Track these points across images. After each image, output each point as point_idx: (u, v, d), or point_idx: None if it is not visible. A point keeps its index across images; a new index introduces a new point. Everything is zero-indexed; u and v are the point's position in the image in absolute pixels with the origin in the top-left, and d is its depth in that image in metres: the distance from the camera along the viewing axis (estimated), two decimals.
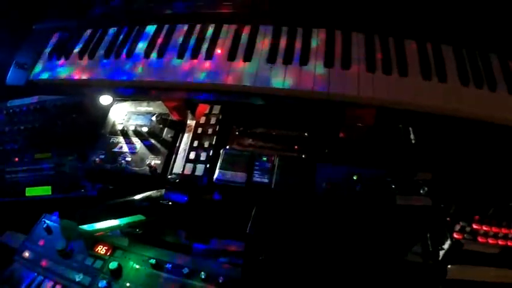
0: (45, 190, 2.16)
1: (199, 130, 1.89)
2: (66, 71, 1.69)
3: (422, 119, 1.41)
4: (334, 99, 1.42)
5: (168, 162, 1.82)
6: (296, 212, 1.68)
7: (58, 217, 1.96)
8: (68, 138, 2.22)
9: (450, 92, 1.39)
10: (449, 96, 1.38)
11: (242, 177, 1.66)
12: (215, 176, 1.68)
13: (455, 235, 1.51)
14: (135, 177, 1.81)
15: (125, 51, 1.68)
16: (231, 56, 1.55)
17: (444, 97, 1.37)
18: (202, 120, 1.92)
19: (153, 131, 1.92)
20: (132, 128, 1.95)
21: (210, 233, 1.92)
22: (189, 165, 1.77)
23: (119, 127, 1.97)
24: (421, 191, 1.55)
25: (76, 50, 1.74)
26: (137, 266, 1.73)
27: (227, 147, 1.79)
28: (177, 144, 1.88)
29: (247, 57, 1.54)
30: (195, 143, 1.85)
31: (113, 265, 1.70)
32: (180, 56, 1.60)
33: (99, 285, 1.65)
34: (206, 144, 1.83)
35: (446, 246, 1.54)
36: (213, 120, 1.91)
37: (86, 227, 1.79)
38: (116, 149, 1.90)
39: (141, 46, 1.68)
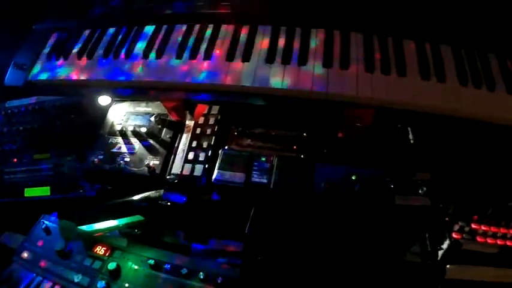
0: (44, 191, 2.15)
1: (198, 130, 1.89)
2: (64, 71, 1.69)
3: (421, 119, 1.41)
4: (332, 99, 1.42)
5: (166, 162, 1.82)
6: (295, 212, 1.68)
7: (57, 218, 1.96)
8: (66, 139, 2.22)
9: (449, 92, 1.39)
10: (448, 96, 1.38)
11: (241, 178, 1.66)
12: (214, 177, 1.68)
13: (454, 235, 1.51)
14: (134, 177, 1.81)
15: (123, 51, 1.68)
16: (230, 56, 1.55)
17: (443, 97, 1.37)
18: (201, 120, 1.92)
19: (152, 132, 1.92)
20: (130, 128, 1.95)
21: (209, 233, 1.92)
22: (188, 166, 1.77)
23: (118, 127, 1.97)
24: (420, 191, 1.55)
25: (75, 50, 1.74)
26: (136, 267, 1.73)
27: (226, 147, 1.79)
28: (176, 145, 1.88)
29: (246, 58, 1.54)
30: (194, 144, 1.84)
31: (111, 266, 1.70)
32: (179, 56, 1.60)
33: (98, 285, 1.65)
34: (205, 145, 1.83)
35: (445, 246, 1.54)
36: (211, 121, 1.91)
37: (84, 227, 1.79)
38: (114, 150, 1.90)
39: (140, 46, 1.68)
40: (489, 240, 1.50)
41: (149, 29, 1.74)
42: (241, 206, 1.70)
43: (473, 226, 1.51)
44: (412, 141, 1.73)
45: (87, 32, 1.81)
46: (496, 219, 1.52)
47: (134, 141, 1.92)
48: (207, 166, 1.75)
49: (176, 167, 1.79)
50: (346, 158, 1.68)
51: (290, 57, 1.51)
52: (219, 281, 1.64)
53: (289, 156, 1.73)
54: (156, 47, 1.65)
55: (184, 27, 1.70)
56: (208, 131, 1.87)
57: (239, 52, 1.56)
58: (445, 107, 1.37)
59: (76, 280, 1.70)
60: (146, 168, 1.78)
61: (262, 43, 1.58)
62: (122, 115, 2.03)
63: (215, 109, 1.95)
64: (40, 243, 1.85)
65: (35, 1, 1.98)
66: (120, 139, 1.93)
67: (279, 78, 1.46)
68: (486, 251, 1.53)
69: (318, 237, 1.68)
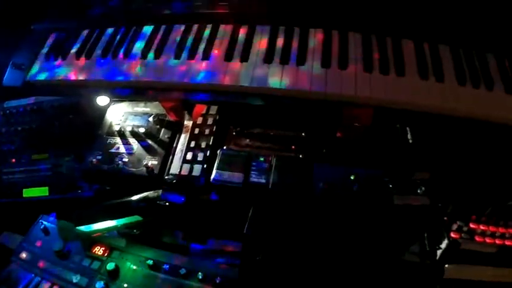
0: (42, 191, 2.15)
1: (196, 130, 1.89)
2: (63, 71, 1.69)
3: (420, 119, 1.41)
4: (331, 99, 1.42)
5: (165, 162, 1.82)
6: (293, 212, 1.68)
7: (55, 218, 1.95)
8: (65, 139, 2.21)
9: (447, 91, 1.39)
10: (446, 95, 1.38)
11: (239, 178, 1.66)
12: (212, 177, 1.68)
13: (452, 234, 1.51)
14: (132, 177, 1.80)
15: (122, 51, 1.67)
16: (228, 56, 1.55)
17: (441, 97, 1.38)
18: (199, 120, 1.92)
19: (150, 132, 1.92)
20: (129, 128, 1.94)
21: (207, 233, 1.92)
22: (186, 166, 1.77)
23: (116, 128, 1.96)
24: (419, 191, 1.56)
25: (73, 51, 1.74)
26: (134, 267, 1.73)
27: (224, 147, 1.79)
28: (174, 145, 1.87)
29: (244, 58, 1.54)
30: (192, 144, 1.84)
31: (110, 266, 1.69)
32: (177, 56, 1.60)
33: (96, 286, 1.64)
34: (203, 145, 1.83)
35: (443, 245, 1.54)
36: (210, 121, 1.91)
37: (83, 227, 1.79)
38: (113, 150, 1.89)
39: (138, 46, 1.67)
40: (487, 240, 1.50)
41: (147, 29, 1.73)
42: (239, 206, 1.70)
43: (472, 226, 1.51)
44: (410, 141, 1.73)
45: (85, 32, 1.80)
46: (494, 218, 1.52)
47: (132, 141, 1.91)
48: (205, 166, 1.75)
49: (174, 167, 1.79)
50: (345, 158, 1.68)
51: (288, 57, 1.51)
52: (217, 281, 1.64)
53: (288, 156, 1.73)
54: (154, 47, 1.65)
55: (182, 27, 1.70)
56: (207, 131, 1.87)
57: (237, 52, 1.56)
58: (444, 106, 1.37)
59: (74, 280, 1.70)
60: (144, 169, 1.78)
61: (261, 43, 1.58)
62: (120, 115, 2.03)
63: (213, 109, 1.95)
64: (38, 243, 1.85)
65: (33, 1, 1.98)
66: (118, 139, 1.93)
67: (277, 78, 1.46)
68: (484, 251, 1.53)
69: (316, 237, 1.68)
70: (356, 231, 1.68)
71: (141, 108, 2.05)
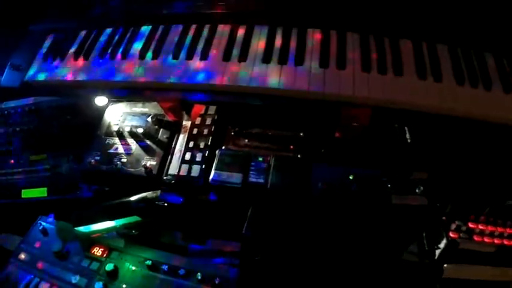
0: (41, 192, 2.15)
1: (195, 131, 1.89)
2: (61, 72, 1.68)
3: (418, 119, 1.41)
4: (329, 99, 1.42)
5: (163, 163, 1.81)
6: (292, 212, 1.68)
7: (54, 219, 1.95)
8: (63, 140, 2.21)
9: (445, 91, 1.39)
10: (444, 95, 1.38)
11: (238, 178, 1.66)
12: (211, 177, 1.68)
13: (451, 234, 1.51)
14: (131, 178, 1.80)
15: (120, 51, 1.67)
16: (226, 56, 1.55)
17: (439, 96, 1.38)
18: (198, 120, 1.92)
19: (149, 132, 1.92)
20: (127, 129, 1.94)
21: (206, 233, 1.92)
22: (185, 166, 1.77)
23: (115, 128, 1.96)
24: (417, 191, 1.56)
25: (71, 51, 1.74)
26: (133, 268, 1.72)
27: (223, 147, 1.79)
28: (173, 145, 1.87)
29: (243, 58, 1.54)
30: (191, 144, 1.84)
31: (109, 267, 1.69)
32: (175, 56, 1.60)
33: (95, 286, 1.64)
34: (202, 145, 1.83)
35: (442, 245, 1.55)
36: (208, 121, 1.91)
37: (82, 228, 1.79)
38: (111, 150, 1.89)
39: (137, 47, 1.67)
40: (486, 239, 1.50)
41: (146, 29, 1.73)
42: (238, 206, 1.70)
43: (470, 225, 1.51)
44: (409, 141, 1.74)
45: (83, 33, 1.80)
46: (493, 218, 1.52)
47: (131, 141, 1.91)
48: (204, 166, 1.75)
49: (173, 168, 1.79)
50: (343, 158, 1.69)
51: (287, 57, 1.51)
52: (216, 282, 1.63)
53: (286, 156, 1.73)
54: (152, 47, 1.65)
55: (180, 28, 1.70)
56: (205, 131, 1.87)
57: (236, 52, 1.56)
58: (442, 106, 1.37)
59: (74, 281, 1.70)
60: (143, 169, 1.78)
61: (259, 43, 1.57)
62: (119, 116, 2.03)
63: (212, 109, 1.95)
64: (37, 244, 1.85)
65: (31, 2, 1.97)
66: (117, 140, 1.93)
67: (275, 78, 1.46)
68: (483, 250, 1.54)
69: (315, 237, 1.68)
70: (355, 231, 1.69)
71: (139, 108, 2.04)
